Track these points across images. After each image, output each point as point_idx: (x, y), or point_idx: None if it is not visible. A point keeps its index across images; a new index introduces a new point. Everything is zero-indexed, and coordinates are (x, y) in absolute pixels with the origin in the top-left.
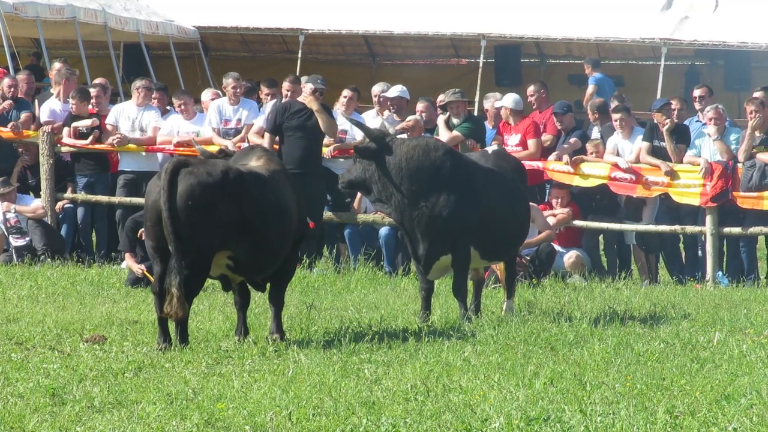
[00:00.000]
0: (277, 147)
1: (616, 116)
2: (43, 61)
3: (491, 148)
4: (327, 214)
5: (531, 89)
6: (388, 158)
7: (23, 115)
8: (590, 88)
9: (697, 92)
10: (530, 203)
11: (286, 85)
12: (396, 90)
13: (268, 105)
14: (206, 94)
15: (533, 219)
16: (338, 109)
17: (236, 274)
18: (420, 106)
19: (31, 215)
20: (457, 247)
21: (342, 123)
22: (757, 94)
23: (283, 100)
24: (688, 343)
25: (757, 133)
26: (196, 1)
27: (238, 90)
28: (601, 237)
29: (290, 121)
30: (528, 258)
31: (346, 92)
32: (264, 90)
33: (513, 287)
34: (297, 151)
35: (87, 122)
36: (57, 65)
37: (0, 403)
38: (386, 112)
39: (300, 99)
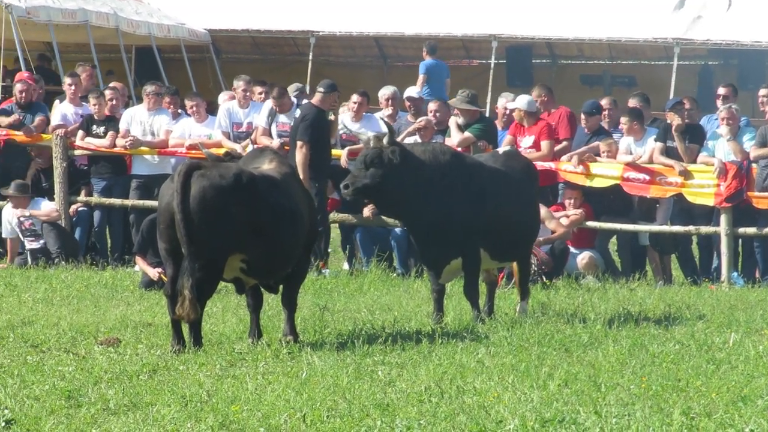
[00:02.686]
0: (288, 149)
1: (623, 120)
2: (55, 64)
3: (503, 149)
4: (339, 216)
5: (534, 93)
6: (398, 164)
7: (37, 119)
8: (420, 78)
9: (721, 91)
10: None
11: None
12: (414, 91)
13: (266, 105)
14: (222, 97)
15: (545, 220)
16: (345, 112)
17: (249, 277)
18: (432, 105)
19: (45, 218)
20: (467, 249)
21: (355, 127)
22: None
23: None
24: (704, 344)
25: None
26: (207, 3)
27: (248, 93)
28: (614, 238)
29: (325, 128)
30: (547, 254)
31: (355, 97)
32: (257, 90)
33: (527, 288)
34: (325, 156)
35: (105, 141)
36: (80, 69)
37: (16, 406)
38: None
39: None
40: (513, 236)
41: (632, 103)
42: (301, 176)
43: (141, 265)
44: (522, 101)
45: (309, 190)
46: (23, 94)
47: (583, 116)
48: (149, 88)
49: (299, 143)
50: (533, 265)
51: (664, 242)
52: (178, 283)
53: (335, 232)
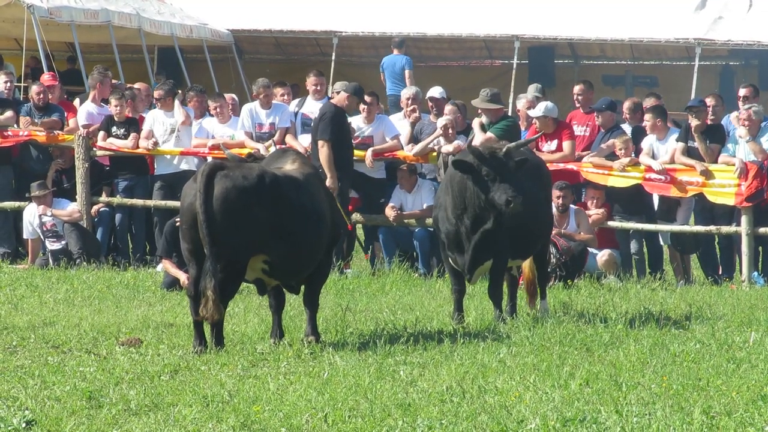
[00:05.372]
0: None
1: (647, 117)
2: (78, 64)
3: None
4: (359, 217)
5: (578, 89)
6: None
7: (47, 118)
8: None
9: (742, 92)
10: (577, 208)
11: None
12: (437, 91)
13: (293, 105)
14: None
15: (579, 223)
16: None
17: (272, 278)
18: (447, 109)
19: (67, 219)
20: (500, 250)
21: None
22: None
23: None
24: (724, 344)
25: None
26: (229, 4)
27: (268, 95)
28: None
29: (345, 127)
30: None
31: (366, 98)
32: (279, 91)
33: (545, 288)
34: (346, 154)
35: (128, 143)
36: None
37: (37, 407)
38: (414, 115)
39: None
40: (530, 234)
41: (648, 102)
42: (328, 175)
43: (169, 269)
44: (538, 111)
45: (336, 190)
46: (41, 96)
47: (595, 114)
48: (157, 93)
49: (320, 142)
50: (554, 255)
51: (685, 242)
52: (201, 284)
53: (360, 231)
